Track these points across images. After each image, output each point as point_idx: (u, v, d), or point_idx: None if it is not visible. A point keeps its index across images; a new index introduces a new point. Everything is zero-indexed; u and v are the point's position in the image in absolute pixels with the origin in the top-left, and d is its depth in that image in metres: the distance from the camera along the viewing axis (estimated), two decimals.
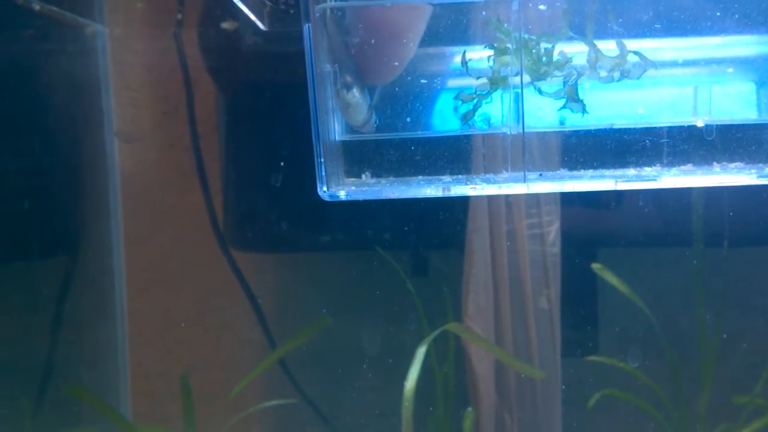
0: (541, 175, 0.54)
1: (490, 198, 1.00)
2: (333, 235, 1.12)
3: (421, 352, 0.89)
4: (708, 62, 0.62)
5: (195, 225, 1.14)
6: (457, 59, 0.61)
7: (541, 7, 0.53)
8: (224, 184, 1.14)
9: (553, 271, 1.00)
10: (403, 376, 0.95)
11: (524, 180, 0.53)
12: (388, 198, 0.55)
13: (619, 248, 1.07)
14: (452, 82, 0.63)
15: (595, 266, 1.03)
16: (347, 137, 0.57)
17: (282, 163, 1.07)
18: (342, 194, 0.54)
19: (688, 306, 1.06)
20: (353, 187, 0.54)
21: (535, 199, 0.99)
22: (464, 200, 1.02)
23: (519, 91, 0.55)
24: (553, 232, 1.00)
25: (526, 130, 0.55)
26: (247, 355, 1.17)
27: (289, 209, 1.11)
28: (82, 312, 1.13)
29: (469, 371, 1.01)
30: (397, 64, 0.54)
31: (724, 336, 1.06)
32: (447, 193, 0.54)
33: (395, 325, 1.11)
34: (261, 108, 1.12)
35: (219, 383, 1.13)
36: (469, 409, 1.00)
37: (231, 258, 1.13)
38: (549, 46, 0.53)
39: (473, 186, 0.54)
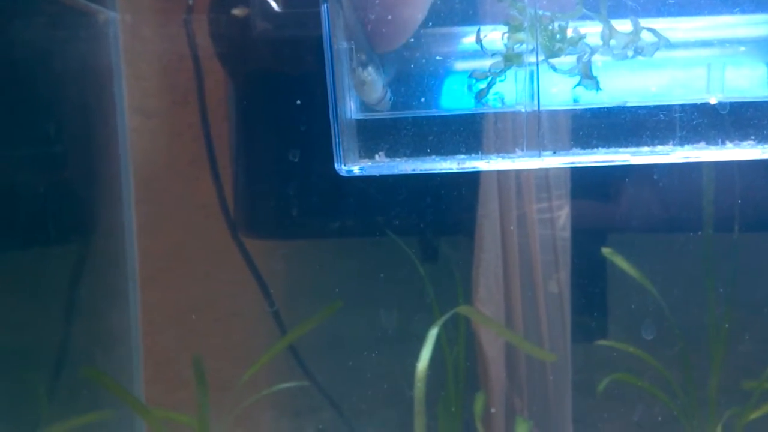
0: (555, 153, 0.54)
1: (501, 183, 1.00)
2: (343, 222, 1.12)
3: (432, 334, 0.90)
4: (721, 42, 0.62)
5: (206, 212, 1.14)
6: (470, 39, 0.61)
7: None
8: (235, 172, 1.14)
9: (563, 255, 1.00)
10: (414, 359, 0.95)
11: (539, 156, 0.53)
12: (402, 173, 0.56)
13: (629, 233, 1.07)
14: (464, 63, 0.63)
15: (606, 251, 1.03)
16: (362, 116, 0.57)
17: (294, 148, 1.07)
18: (356, 170, 0.54)
19: (698, 291, 1.06)
20: (369, 163, 0.55)
21: (545, 184, 0.99)
22: (474, 185, 1.02)
23: (533, 68, 0.55)
24: (563, 216, 1.00)
25: (540, 108, 0.55)
26: (258, 342, 1.18)
27: (299, 196, 1.11)
28: (96, 299, 1.12)
29: (479, 355, 1.01)
30: (404, 28, 0.54)
31: (731, 322, 1.06)
32: (462, 167, 0.54)
33: (406, 309, 1.11)
34: (271, 95, 1.11)
35: (230, 369, 1.13)
36: (480, 392, 1.00)
37: (242, 245, 1.13)
38: (563, 23, 0.54)
39: (488, 160, 0.54)
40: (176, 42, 1.11)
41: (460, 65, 0.61)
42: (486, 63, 0.60)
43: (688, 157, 0.57)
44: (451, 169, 0.55)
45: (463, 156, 0.55)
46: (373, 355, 1.12)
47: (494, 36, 0.60)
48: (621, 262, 1.03)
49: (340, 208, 1.12)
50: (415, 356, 0.97)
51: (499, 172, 0.98)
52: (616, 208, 1.06)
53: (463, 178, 1.03)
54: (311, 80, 1.04)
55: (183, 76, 1.12)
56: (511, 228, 0.96)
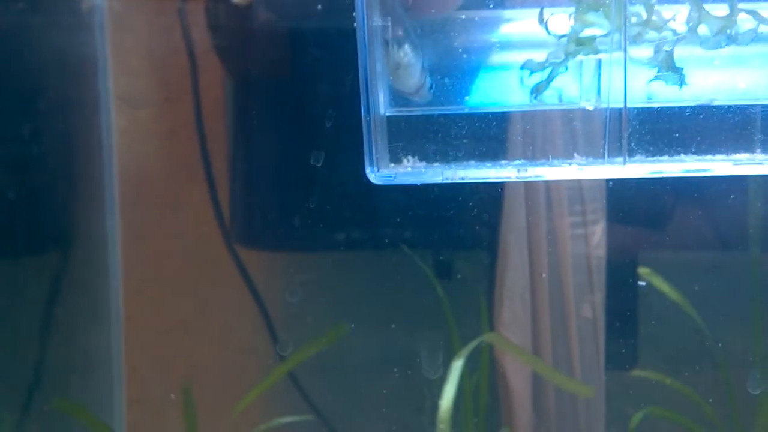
0: (646, 155, 0.44)
1: (528, 192, 0.90)
2: (349, 233, 1.04)
3: (457, 366, 0.79)
4: None
5: (198, 220, 1.07)
6: (516, 25, 0.51)
7: None
8: (231, 176, 1.07)
9: (598, 275, 0.90)
10: (427, 386, 0.87)
11: (624, 162, 0.43)
12: (448, 181, 0.46)
13: (668, 251, 0.98)
14: (511, 54, 0.53)
15: (643, 270, 0.94)
16: (394, 111, 0.47)
17: (297, 151, 1.00)
18: (391, 175, 0.44)
19: (744, 317, 0.97)
20: (409, 168, 0.44)
21: (578, 195, 0.90)
22: (498, 195, 0.93)
23: (607, 57, 0.45)
24: (598, 232, 0.90)
25: (611, 106, 0.45)
26: (253, 361, 1.10)
27: (302, 203, 1.03)
28: (74, 315, 1.05)
29: (503, 386, 0.91)
30: None
31: None
32: (522, 177, 0.44)
33: (418, 331, 1.02)
34: (273, 93, 1.04)
35: (221, 392, 1.06)
36: (503, 428, 0.91)
37: (237, 256, 1.06)
38: (650, 1, 0.43)
39: (551, 165, 0.44)
40: (169, 33, 1.04)
41: (509, 56, 0.51)
42: (539, 53, 0.50)
43: None
44: (510, 178, 0.44)
45: (519, 161, 0.45)
46: (382, 382, 1.03)
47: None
48: (660, 283, 0.93)
49: (348, 218, 1.03)
50: (428, 383, 0.91)
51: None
52: (653, 223, 0.97)
53: (484, 184, 0.94)
54: (319, 77, 0.97)
55: (176, 71, 1.05)
56: (543, 244, 0.87)
